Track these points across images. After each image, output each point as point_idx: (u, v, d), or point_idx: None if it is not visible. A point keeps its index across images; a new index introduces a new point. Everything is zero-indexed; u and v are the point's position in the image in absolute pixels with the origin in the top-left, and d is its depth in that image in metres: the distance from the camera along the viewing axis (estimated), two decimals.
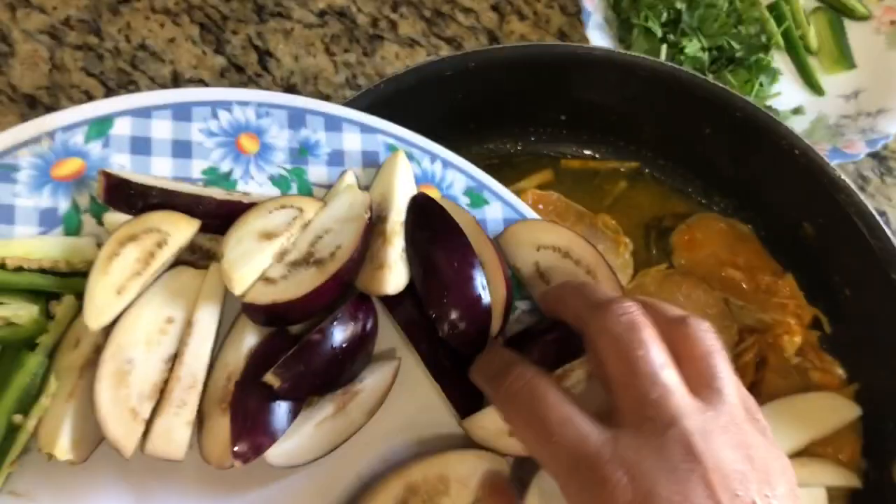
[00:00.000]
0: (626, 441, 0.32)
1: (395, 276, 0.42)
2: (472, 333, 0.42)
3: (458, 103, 0.65)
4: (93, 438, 0.37)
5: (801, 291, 0.66)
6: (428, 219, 0.44)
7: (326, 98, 0.76)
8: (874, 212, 0.60)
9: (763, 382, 0.63)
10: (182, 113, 0.43)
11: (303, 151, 0.45)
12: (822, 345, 0.65)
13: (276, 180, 0.44)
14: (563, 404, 0.33)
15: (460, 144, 0.70)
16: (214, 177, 0.43)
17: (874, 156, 0.81)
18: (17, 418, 0.37)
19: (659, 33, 0.77)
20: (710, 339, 0.35)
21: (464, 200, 0.48)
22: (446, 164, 0.48)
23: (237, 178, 0.44)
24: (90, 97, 0.73)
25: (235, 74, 0.76)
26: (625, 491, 0.30)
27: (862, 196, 0.61)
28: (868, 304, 0.63)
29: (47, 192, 0.40)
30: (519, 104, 0.68)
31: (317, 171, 0.45)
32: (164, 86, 0.74)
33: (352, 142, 0.46)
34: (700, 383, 0.34)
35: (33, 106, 0.72)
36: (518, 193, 0.68)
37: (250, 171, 0.44)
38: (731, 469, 0.31)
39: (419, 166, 0.47)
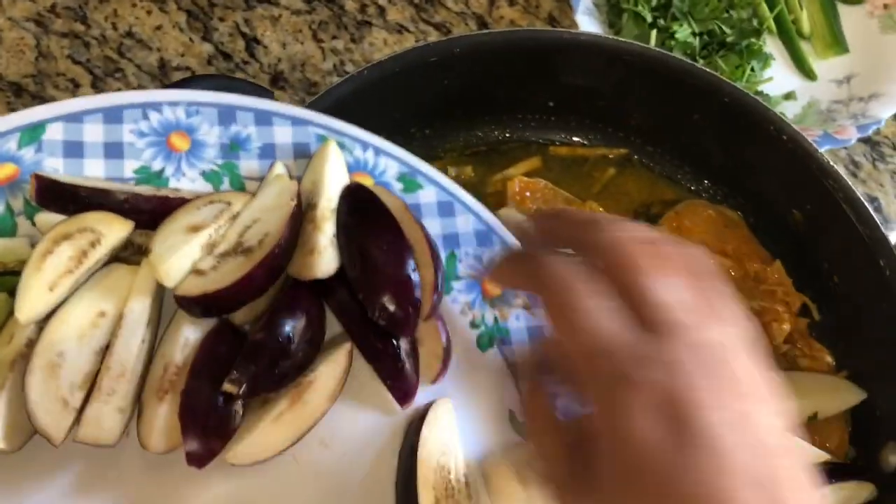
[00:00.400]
0: (650, 341, 0.31)
1: (324, 260, 0.43)
2: (403, 315, 0.43)
3: (444, 90, 0.65)
4: (26, 429, 0.38)
5: (790, 279, 0.66)
6: (358, 204, 0.45)
7: (314, 85, 0.76)
8: (863, 198, 0.59)
9: None
10: (113, 116, 0.44)
11: (234, 147, 0.46)
12: (811, 332, 0.65)
13: (207, 176, 0.45)
14: (589, 297, 0.33)
15: (447, 131, 0.70)
16: (146, 175, 0.44)
17: (866, 141, 0.80)
18: None
19: (649, 18, 0.76)
20: (705, 263, 0.36)
21: (397, 186, 0.48)
22: (378, 151, 0.49)
23: (169, 175, 0.45)
24: (76, 85, 0.73)
25: (223, 62, 0.75)
26: (651, 385, 0.30)
27: (853, 182, 0.61)
28: (856, 291, 0.63)
29: None
30: (506, 90, 0.68)
31: (248, 165, 0.46)
32: (150, 73, 0.74)
33: (283, 135, 0.47)
34: (706, 302, 0.34)
35: (19, 94, 0.72)
36: (505, 181, 0.68)
37: (182, 168, 0.45)
38: (749, 378, 0.32)
39: (351, 155, 0.48)
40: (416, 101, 0.66)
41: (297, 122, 0.48)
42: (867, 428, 0.61)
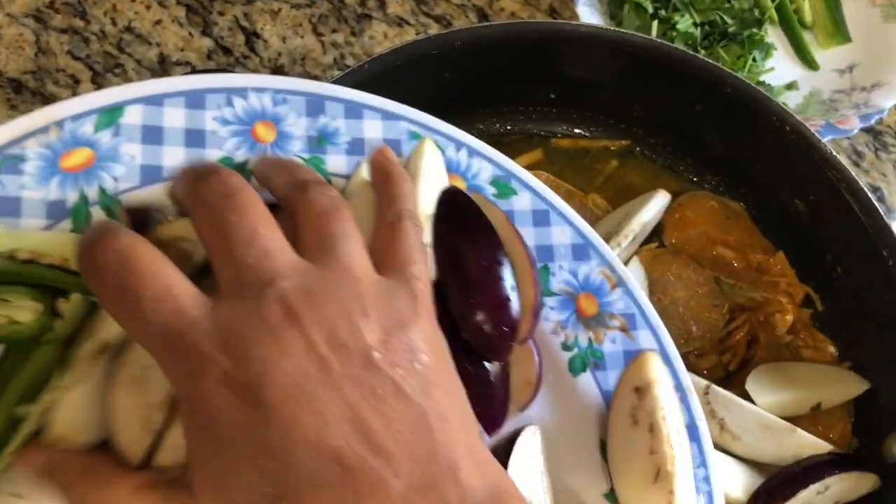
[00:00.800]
0: (223, 309, 0.30)
1: None
2: (498, 337, 0.40)
3: (446, 83, 0.65)
4: (96, 432, 0.36)
5: (793, 269, 0.66)
6: (456, 213, 0.43)
7: (314, 79, 0.75)
8: (866, 188, 0.59)
9: (754, 361, 0.62)
10: (196, 100, 0.42)
11: (321, 140, 0.43)
12: (814, 323, 0.65)
13: None
14: (159, 276, 0.30)
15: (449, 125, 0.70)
16: (230, 167, 0.41)
17: (868, 131, 0.80)
18: (22, 409, 0.36)
19: (650, 9, 0.76)
20: (326, 200, 0.34)
21: (490, 191, 0.46)
22: (472, 152, 0.46)
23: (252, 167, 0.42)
24: (76, 81, 0.73)
25: (222, 56, 0.75)
26: (222, 360, 0.29)
27: (856, 172, 0.61)
28: (859, 281, 0.62)
29: (55, 183, 0.39)
30: (507, 83, 0.67)
31: (335, 161, 0.44)
32: (150, 69, 0.74)
33: (372, 129, 0.45)
34: (312, 245, 0.33)
35: (19, 91, 0.72)
36: None
37: None
38: (338, 321, 0.30)
39: (444, 154, 0.45)
40: (418, 95, 0.65)
41: (388, 116, 0.45)
42: (870, 418, 0.61)
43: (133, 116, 0.41)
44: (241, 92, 0.42)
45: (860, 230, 0.59)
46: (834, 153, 0.60)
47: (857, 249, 0.61)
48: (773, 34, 0.82)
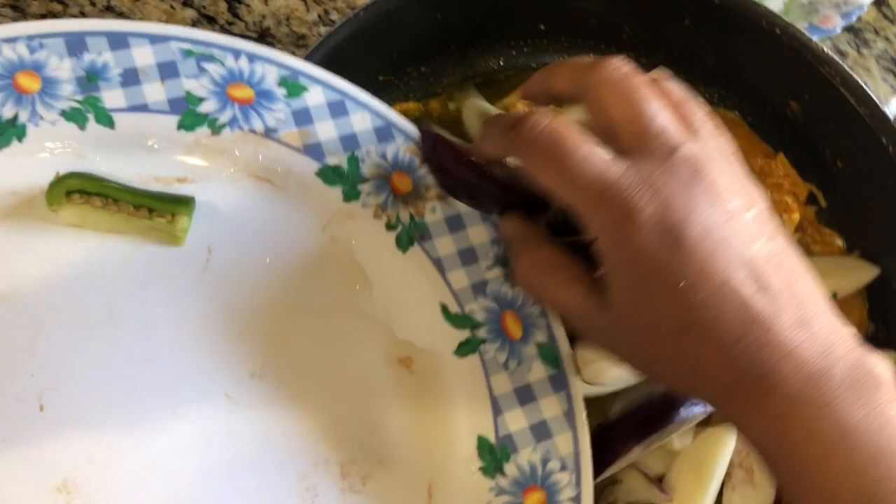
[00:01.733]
0: (640, 167, 0.37)
1: None
2: None
3: (437, 25, 0.65)
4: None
5: (794, 169, 0.67)
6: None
7: (302, 38, 0.75)
8: (860, 80, 0.61)
9: None
10: None
11: (91, 78, 0.42)
12: (819, 219, 0.67)
13: (69, 115, 0.42)
14: (582, 144, 0.37)
15: (443, 67, 0.70)
16: None
17: (850, 30, 0.81)
18: None
19: None
20: (683, 90, 0.41)
21: (280, 92, 0.45)
22: (252, 57, 0.45)
23: (25, 121, 0.41)
24: None
25: (207, 26, 0.75)
26: (647, 205, 0.36)
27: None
28: (860, 172, 0.64)
29: None
30: (497, 19, 0.68)
31: (111, 96, 0.43)
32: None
33: (143, 56, 0.43)
34: (686, 123, 0.39)
35: None
36: (507, 109, 0.69)
37: (38, 111, 0.42)
38: (728, 183, 0.37)
39: (223, 66, 0.44)
40: (410, 40, 0.66)
41: (155, 39, 0.43)
42: (884, 302, 0.64)
43: None
44: None
45: (858, 121, 0.61)
46: (826, 50, 0.62)
47: (856, 141, 0.62)
48: None
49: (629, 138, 0.37)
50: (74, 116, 0.42)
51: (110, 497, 0.39)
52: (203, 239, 0.44)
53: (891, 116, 0.60)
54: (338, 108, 0.46)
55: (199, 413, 0.41)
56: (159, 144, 0.44)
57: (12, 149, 0.41)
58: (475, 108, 0.68)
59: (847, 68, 0.61)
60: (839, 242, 0.66)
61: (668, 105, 0.39)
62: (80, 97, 0.42)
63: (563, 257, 0.41)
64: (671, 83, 0.41)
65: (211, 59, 0.44)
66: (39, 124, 0.42)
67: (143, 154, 0.43)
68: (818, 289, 0.38)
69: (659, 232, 0.35)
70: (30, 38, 0.42)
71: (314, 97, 0.46)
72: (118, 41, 0.43)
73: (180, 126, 0.44)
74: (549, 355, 0.46)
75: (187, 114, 0.44)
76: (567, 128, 0.37)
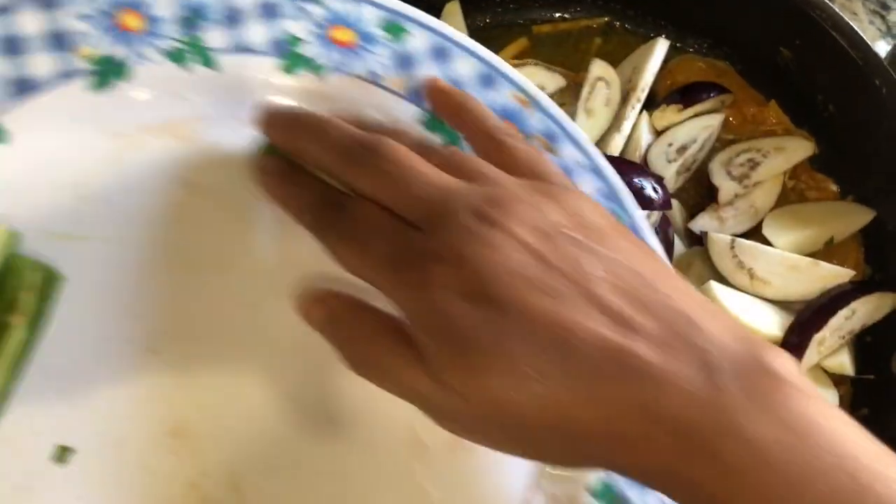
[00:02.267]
0: (429, 233, 0.32)
1: None
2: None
3: None
4: None
5: (786, 116, 0.67)
6: None
7: None
8: (851, 23, 0.60)
9: None
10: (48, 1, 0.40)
11: (193, 19, 0.42)
12: (813, 165, 0.67)
13: (173, 55, 0.41)
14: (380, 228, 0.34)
15: None
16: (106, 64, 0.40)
17: None
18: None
19: None
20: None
21: (382, 35, 0.43)
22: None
23: (129, 62, 0.41)
24: None
25: None
26: (441, 270, 0.31)
27: None
28: (853, 117, 0.64)
29: None
30: None
31: (213, 36, 0.42)
32: None
33: None
34: (459, 169, 0.35)
35: None
36: None
37: (141, 50, 0.41)
38: (525, 213, 0.32)
39: (325, 7, 0.43)
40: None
41: None
42: (879, 246, 0.64)
43: None
44: None
45: (851, 64, 0.61)
46: None
47: (848, 84, 0.62)
48: None
49: (410, 212, 0.33)
50: (178, 56, 0.41)
51: (219, 444, 0.39)
52: None
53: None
54: (441, 53, 0.44)
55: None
56: (263, 90, 0.43)
57: (117, 88, 0.41)
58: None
59: (838, 11, 0.61)
60: (833, 188, 0.66)
61: (440, 161, 0.35)
62: (184, 37, 0.41)
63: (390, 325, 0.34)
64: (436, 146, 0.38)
65: (312, 0, 0.43)
66: (144, 64, 0.41)
67: (245, 97, 0.42)
68: (681, 282, 0.32)
69: (466, 297, 0.30)
70: None
71: (417, 41, 0.44)
72: None
73: (284, 69, 0.43)
74: None
75: (290, 56, 0.43)
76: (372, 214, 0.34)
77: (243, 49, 0.42)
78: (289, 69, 0.42)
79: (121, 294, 0.39)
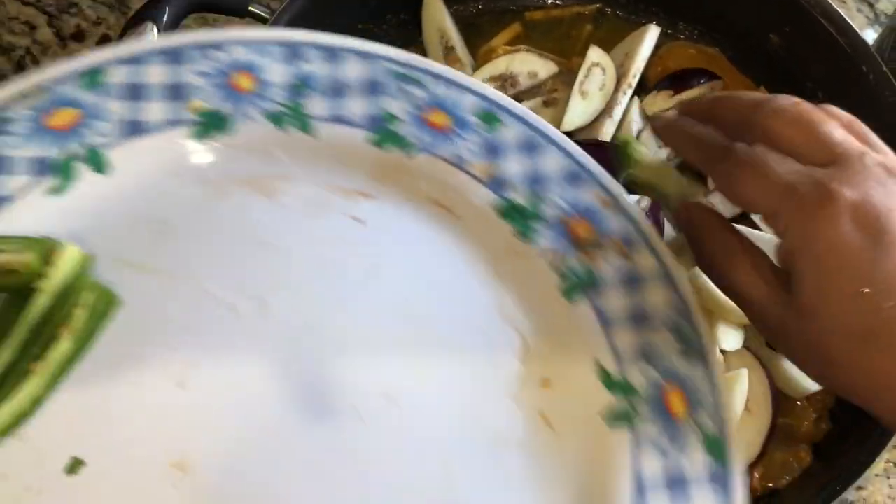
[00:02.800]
0: (835, 168, 0.36)
1: None
2: None
3: None
4: None
5: None
6: None
7: (266, 6, 0.74)
8: (839, 10, 0.61)
9: None
10: (174, 57, 0.43)
11: (300, 86, 0.44)
12: None
13: (274, 116, 0.44)
14: (780, 162, 0.37)
15: (421, 16, 0.70)
16: (210, 118, 0.43)
17: None
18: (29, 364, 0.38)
19: None
20: (848, 114, 0.40)
21: (475, 122, 0.45)
22: (455, 85, 0.45)
23: (235, 117, 0.44)
24: (32, 27, 0.70)
25: None
26: (847, 195, 0.34)
27: None
28: (842, 103, 0.63)
29: (42, 141, 0.41)
30: None
31: (315, 104, 0.45)
32: (107, 4, 0.71)
33: (353, 70, 0.45)
34: (861, 138, 0.39)
35: None
36: (489, 53, 0.69)
37: (246, 110, 0.44)
38: None
39: (426, 90, 0.45)
40: None
41: (366, 56, 0.45)
42: None
43: (116, 76, 0.42)
44: (217, 45, 0.43)
45: (839, 51, 0.62)
46: None
47: (837, 71, 0.63)
48: None
49: (814, 153, 0.37)
50: (278, 119, 0.43)
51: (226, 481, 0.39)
52: (373, 253, 0.44)
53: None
54: (530, 146, 0.45)
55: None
56: (350, 158, 0.44)
57: (215, 139, 0.43)
58: (435, 21, 0.67)
59: None
60: None
61: (841, 125, 0.39)
62: (287, 101, 0.44)
63: (749, 244, 0.39)
64: (837, 109, 0.40)
65: (415, 82, 0.45)
66: (246, 122, 0.43)
67: (333, 164, 0.44)
68: None
69: (857, 223, 0.34)
70: (251, 43, 0.44)
71: (509, 132, 0.45)
72: (331, 55, 0.45)
73: (374, 143, 0.44)
74: (715, 445, 0.40)
75: (383, 132, 0.44)
76: (763, 153, 0.37)
77: (340, 120, 0.44)
78: (379, 143, 0.44)
79: (166, 325, 0.40)
